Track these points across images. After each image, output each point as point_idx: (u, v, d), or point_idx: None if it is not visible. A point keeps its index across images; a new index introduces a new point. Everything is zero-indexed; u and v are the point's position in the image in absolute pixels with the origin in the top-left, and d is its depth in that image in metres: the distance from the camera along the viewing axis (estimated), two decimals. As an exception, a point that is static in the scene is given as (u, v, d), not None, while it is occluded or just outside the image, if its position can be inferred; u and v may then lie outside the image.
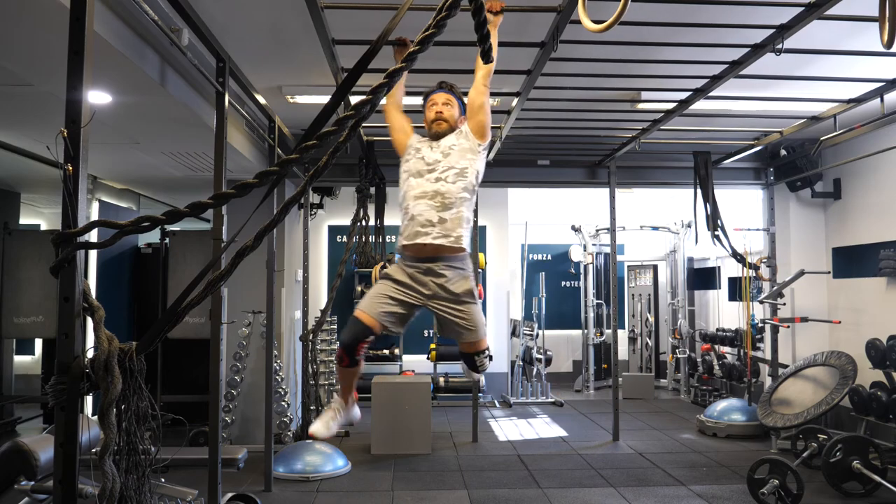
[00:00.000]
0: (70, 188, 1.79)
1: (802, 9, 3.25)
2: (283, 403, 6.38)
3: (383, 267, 6.32)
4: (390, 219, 6.35)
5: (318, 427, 2.94)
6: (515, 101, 4.66)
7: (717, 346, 8.54)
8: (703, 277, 9.93)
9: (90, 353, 1.85)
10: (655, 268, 10.33)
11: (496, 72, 3.03)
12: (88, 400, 5.34)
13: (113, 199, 6.81)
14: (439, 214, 2.79)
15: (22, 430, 6.88)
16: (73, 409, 1.79)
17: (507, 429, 7.23)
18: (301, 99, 5.10)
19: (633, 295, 10.55)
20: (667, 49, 4.04)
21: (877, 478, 4.61)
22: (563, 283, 10.70)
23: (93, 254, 6.10)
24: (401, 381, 6.53)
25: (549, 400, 8.75)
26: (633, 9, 2.13)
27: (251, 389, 6.28)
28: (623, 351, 10.02)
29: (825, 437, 5.32)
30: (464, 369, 3.15)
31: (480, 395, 8.08)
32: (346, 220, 6.62)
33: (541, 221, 10.29)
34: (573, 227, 9.94)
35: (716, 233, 6.20)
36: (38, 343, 8.74)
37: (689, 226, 9.18)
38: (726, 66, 4.05)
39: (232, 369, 6.21)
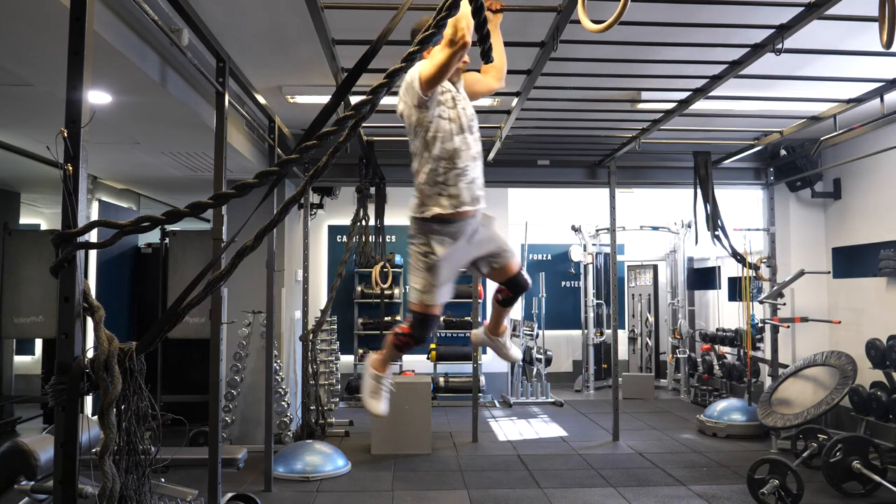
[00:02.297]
0: (70, 188, 1.79)
1: (802, 9, 3.25)
2: (283, 403, 6.38)
3: (383, 267, 6.35)
4: (390, 219, 6.35)
5: (375, 407, 2.83)
6: (515, 100, 4.66)
7: (717, 346, 8.54)
8: (703, 277, 9.93)
9: (90, 353, 1.85)
10: (655, 268, 10.32)
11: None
12: (88, 400, 5.34)
13: (113, 199, 6.80)
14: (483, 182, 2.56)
15: (22, 430, 6.88)
16: (73, 409, 1.79)
17: (507, 429, 7.23)
18: (301, 99, 5.10)
19: (633, 295, 10.55)
20: (667, 49, 4.04)
21: (877, 478, 4.61)
22: (562, 283, 10.69)
23: (93, 254, 6.10)
24: (401, 381, 6.50)
25: (549, 400, 8.75)
26: (633, 9, 2.13)
27: (251, 389, 6.27)
28: (623, 351, 10.02)
29: (825, 437, 5.32)
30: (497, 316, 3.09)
31: (480, 395, 8.07)
32: (346, 220, 6.62)
33: (541, 221, 10.28)
34: (573, 227, 9.94)
35: (716, 233, 6.20)
36: (38, 343, 8.74)
37: (689, 226, 9.18)
38: (726, 66, 4.05)
39: (232, 369, 6.21)
